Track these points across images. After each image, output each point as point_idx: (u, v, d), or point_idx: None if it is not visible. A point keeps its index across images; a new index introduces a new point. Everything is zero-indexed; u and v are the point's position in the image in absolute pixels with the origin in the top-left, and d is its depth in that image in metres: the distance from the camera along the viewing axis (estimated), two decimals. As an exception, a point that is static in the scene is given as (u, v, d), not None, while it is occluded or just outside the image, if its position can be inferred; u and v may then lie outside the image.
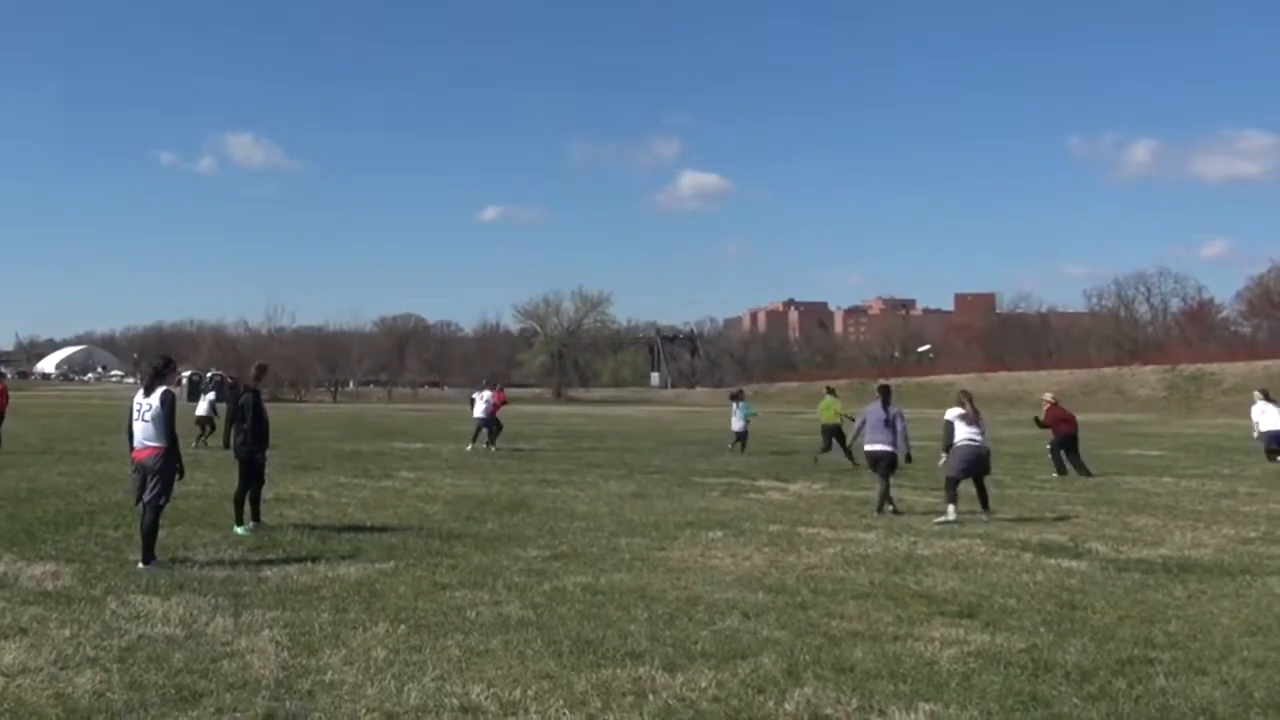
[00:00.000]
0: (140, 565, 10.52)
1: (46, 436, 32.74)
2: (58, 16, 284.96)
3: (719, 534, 13.43)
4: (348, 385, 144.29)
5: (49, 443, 30.01)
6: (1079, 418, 25.31)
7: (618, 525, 14.20)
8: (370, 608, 8.82)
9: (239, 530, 13.01)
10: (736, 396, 33.29)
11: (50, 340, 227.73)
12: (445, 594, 9.46)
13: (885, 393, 16.70)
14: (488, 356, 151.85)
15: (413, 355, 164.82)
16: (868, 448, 16.42)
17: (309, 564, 10.82)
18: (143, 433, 10.84)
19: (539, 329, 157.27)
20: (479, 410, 31.34)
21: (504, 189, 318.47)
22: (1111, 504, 17.46)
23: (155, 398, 10.88)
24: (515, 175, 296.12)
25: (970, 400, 15.76)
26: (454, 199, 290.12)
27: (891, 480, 16.41)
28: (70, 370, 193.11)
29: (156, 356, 12.25)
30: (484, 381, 34.10)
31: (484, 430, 31.09)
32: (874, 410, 16.49)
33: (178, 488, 11.33)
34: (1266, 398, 27.59)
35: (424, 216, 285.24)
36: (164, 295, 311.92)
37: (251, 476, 13.40)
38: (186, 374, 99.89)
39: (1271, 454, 26.46)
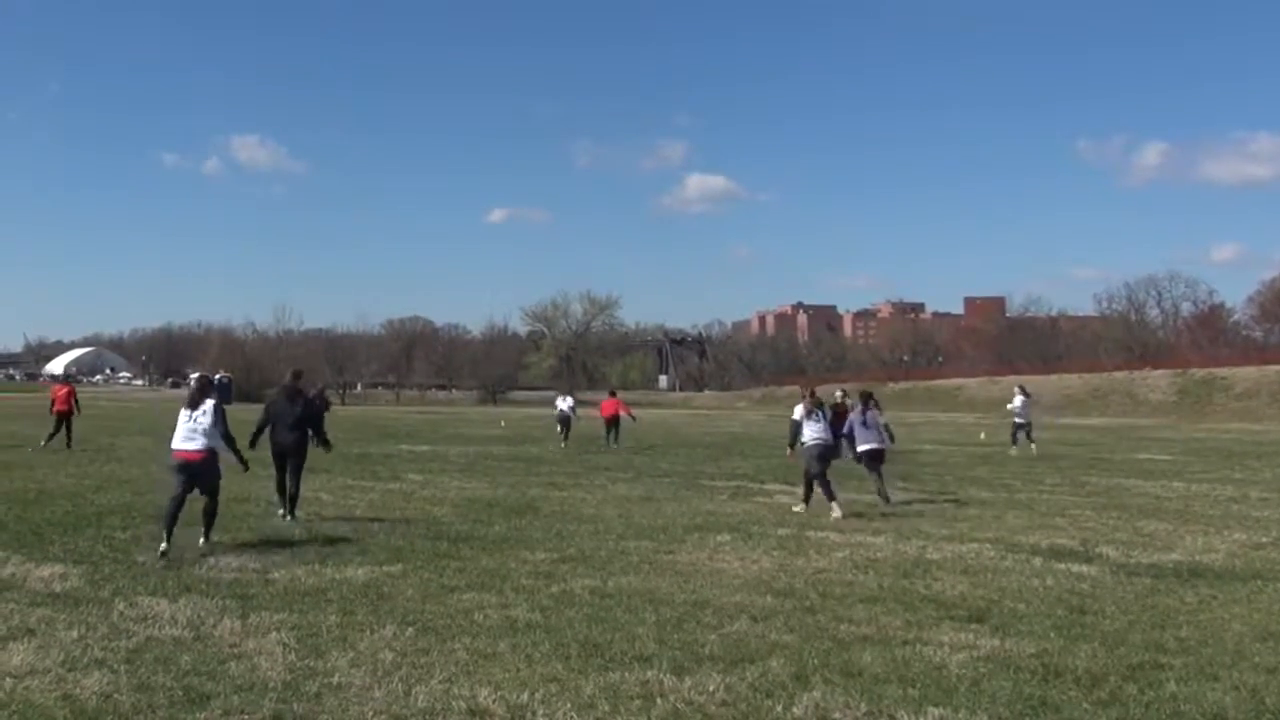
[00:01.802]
0: (201, 541, 11.99)
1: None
2: (61, 17, 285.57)
3: (727, 537, 13.42)
4: (355, 387, 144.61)
5: (58, 444, 30.06)
6: (1092, 421, 25.83)
7: (625, 528, 14.20)
8: (378, 610, 8.83)
9: (281, 517, 14.56)
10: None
11: (59, 342, 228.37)
12: (453, 597, 9.47)
13: (867, 398, 18.74)
14: (495, 359, 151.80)
15: (420, 357, 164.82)
16: (862, 447, 17.87)
17: (316, 566, 10.84)
18: (194, 439, 12.15)
19: (547, 331, 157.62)
20: (563, 404, 37.00)
21: (511, 191, 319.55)
22: (1122, 508, 17.42)
23: (208, 405, 12.30)
24: (522, 177, 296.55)
25: (813, 396, 17.27)
26: (461, 201, 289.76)
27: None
28: (79, 372, 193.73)
29: (197, 378, 14.75)
30: (611, 389, 42.24)
31: (564, 429, 35.86)
32: (860, 414, 18.20)
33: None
34: (1023, 391, 33.44)
35: (430, 219, 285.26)
36: (172, 297, 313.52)
37: (277, 470, 14.85)
38: (194, 375, 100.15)
39: (1014, 437, 32.38)
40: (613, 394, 38.08)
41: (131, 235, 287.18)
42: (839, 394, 27.55)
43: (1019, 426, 32.23)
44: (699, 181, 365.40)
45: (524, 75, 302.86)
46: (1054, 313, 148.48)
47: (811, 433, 16.68)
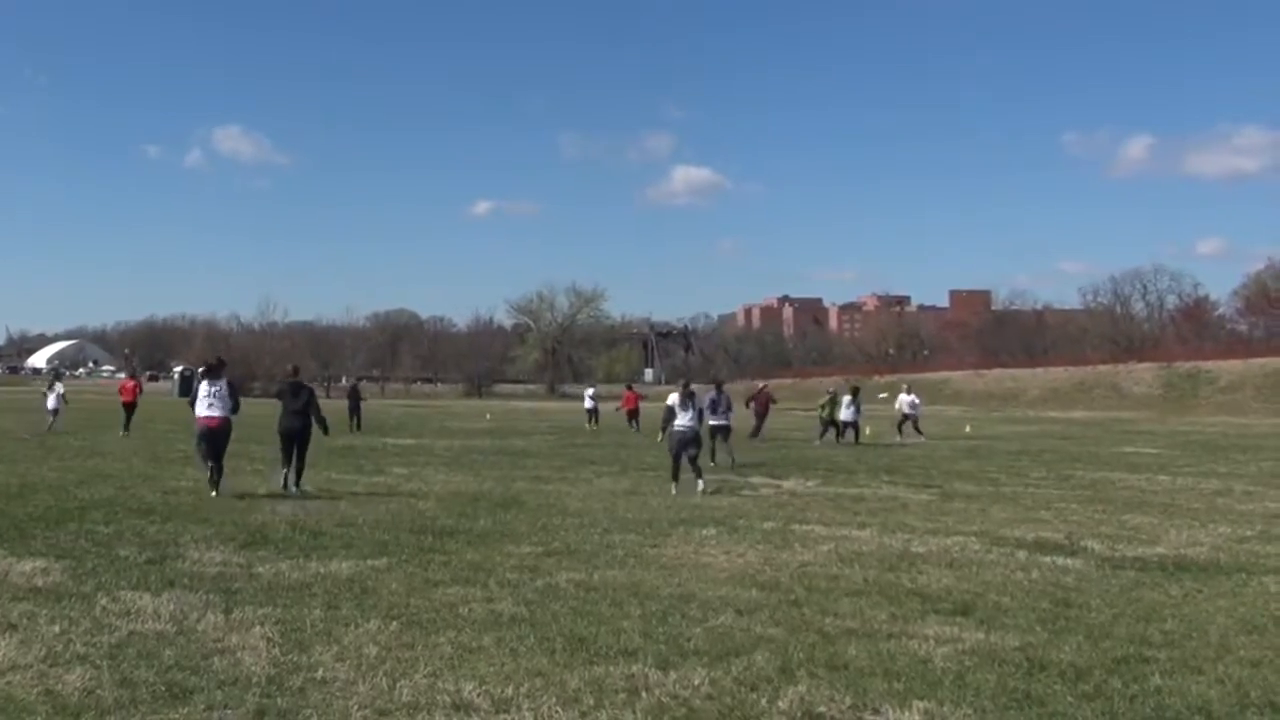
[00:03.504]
0: (214, 494, 15.81)
1: (38, 431, 32.67)
2: (43, 9, 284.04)
3: (712, 531, 13.42)
4: (340, 380, 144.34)
5: (40, 438, 29.97)
6: (1076, 414, 26.27)
7: (611, 522, 14.20)
8: (362, 604, 8.80)
9: (285, 488, 16.94)
10: (855, 391, 35.50)
11: (41, 335, 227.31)
12: (437, 591, 9.45)
13: (719, 385, 24.86)
14: (481, 352, 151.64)
15: (406, 350, 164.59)
16: (712, 422, 22.69)
17: (300, 560, 10.81)
18: (215, 409, 16.25)
19: (532, 324, 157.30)
20: (588, 403, 45.39)
21: (496, 183, 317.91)
22: (1107, 502, 17.47)
23: (223, 382, 16.55)
24: (508, 169, 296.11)
25: (685, 387, 19.31)
26: (446, 193, 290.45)
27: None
28: (61, 365, 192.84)
29: (213, 356, 18.64)
30: (628, 384, 50.66)
31: (594, 417, 44.10)
32: (712, 396, 23.09)
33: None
34: (909, 391, 38.63)
35: (416, 211, 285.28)
36: (156, 290, 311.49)
37: (285, 450, 17.17)
38: (178, 369, 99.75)
39: (900, 428, 37.09)
40: (629, 388, 45.27)
41: (114, 227, 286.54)
42: (760, 384, 33.42)
43: (908, 418, 37.39)
44: (685, 174, 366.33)
45: (511, 66, 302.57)
46: (1039, 306, 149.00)
47: (681, 420, 18.56)
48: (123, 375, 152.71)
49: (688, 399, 18.80)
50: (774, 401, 36.33)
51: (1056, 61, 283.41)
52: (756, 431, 33.87)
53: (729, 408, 23.71)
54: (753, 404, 34.80)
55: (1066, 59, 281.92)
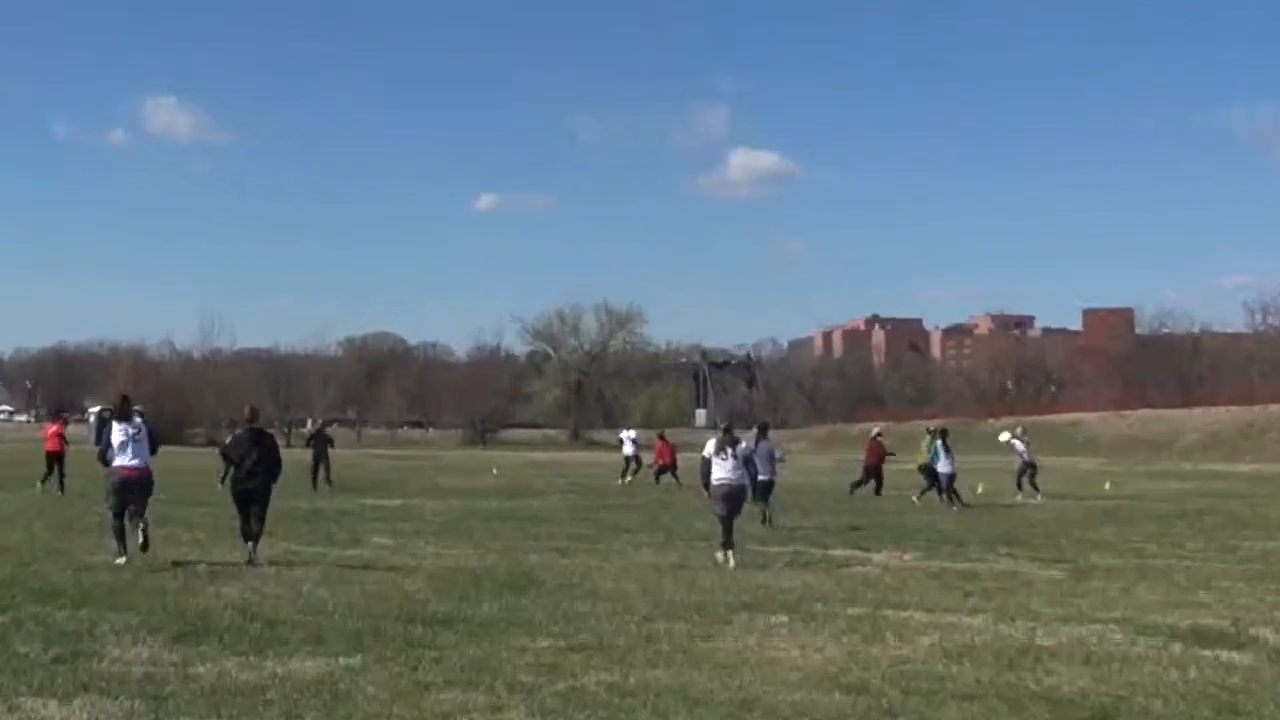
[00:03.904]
0: (142, 561, 16.42)
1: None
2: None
3: (783, 618, 13.42)
4: (305, 424, 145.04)
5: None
6: (1243, 468, 26.16)
7: (652, 607, 14.20)
8: (332, 714, 8.81)
9: (249, 561, 17.31)
10: (943, 434, 34.58)
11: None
12: (429, 696, 9.45)
13: (764, 429, 26.52)
14: (485, 388, 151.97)
15: (390, 386, 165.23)
16: (762, 477, 22.98)
17: (252, 658, 10.82)
18: (137, 457, 17.07)
19: (552, 353, 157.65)
20: (628, 448, 46.71)
21: (503, 173, 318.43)
22: (1284, 579, 17.38)
23: (140, 423, 17.47)
24: (517, 156, 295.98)
25: (728, 431, 19.82)
26: (440, 185, 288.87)
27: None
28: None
29: (117, 395, 19.97)
30: (660, 433, 49.30)
31: (635, 465, 45.88)
32: (761, 444, 24.23)
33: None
34: (1021, 433, 39.67)
35: (401, 207, 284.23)
36: (66, 308, 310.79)
37: (244, 515, 17.69)
38: (95, 409, 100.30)
39: (1019, 482, 37.45)
40: (661, 437, 45.85)
41: (12, 228, 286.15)
42: (876, 430, 38.79)
43: (1029, 467, 37.51)
44: (745, 159, 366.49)
45: (518, 29, 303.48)
46: (1195, 328, 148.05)
47: (720, 471, 19.12)
48: (24, 418, 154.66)
49: (726, 445, 19.27)
50: (890, 454, 39.37)
51: (1214, 26, 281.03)
52: (877, 489, 37.69)
53: (774, 458, 25.39)
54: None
55: (1226, 22, 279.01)
